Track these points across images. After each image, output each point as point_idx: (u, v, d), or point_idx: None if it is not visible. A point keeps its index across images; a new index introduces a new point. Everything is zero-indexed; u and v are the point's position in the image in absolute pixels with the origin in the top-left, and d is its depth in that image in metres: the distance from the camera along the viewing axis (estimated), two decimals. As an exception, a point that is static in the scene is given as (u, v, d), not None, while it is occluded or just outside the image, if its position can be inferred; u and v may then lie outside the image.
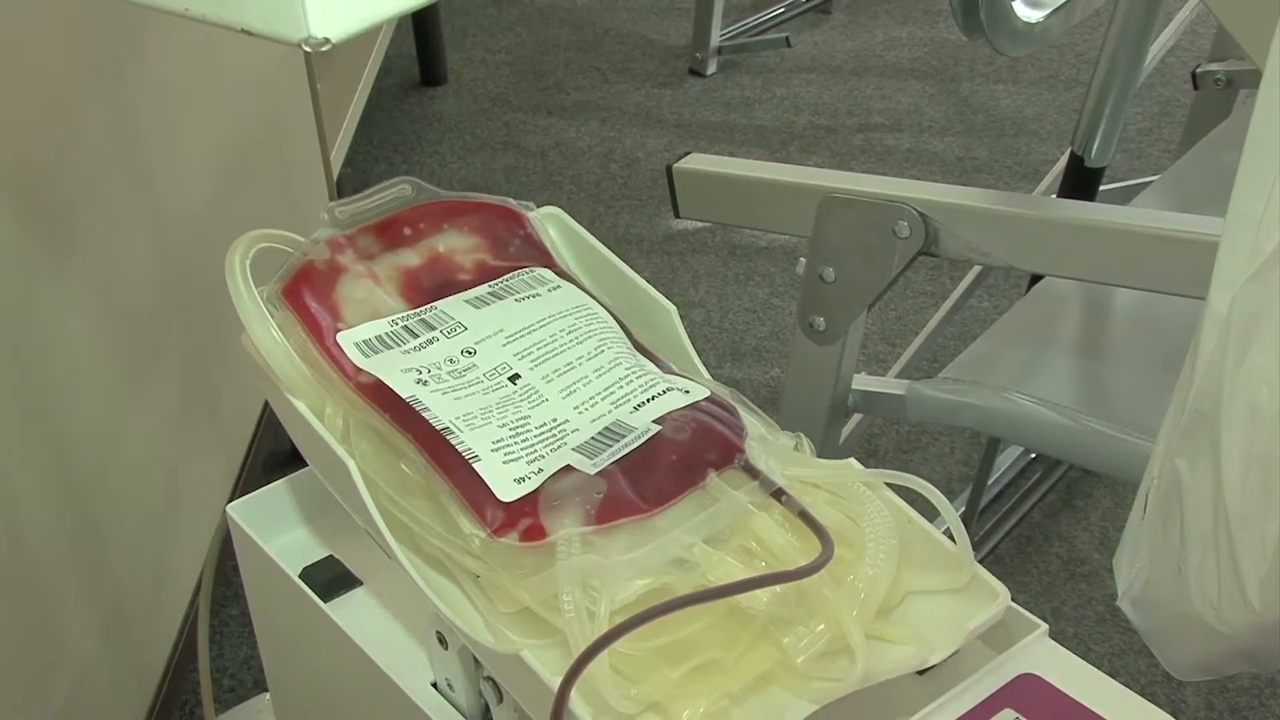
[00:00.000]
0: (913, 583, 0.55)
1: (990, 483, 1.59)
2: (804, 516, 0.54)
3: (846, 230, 1.05)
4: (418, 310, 0.62)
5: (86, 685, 1.11)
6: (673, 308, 0.65)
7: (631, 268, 0.67)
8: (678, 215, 1.18)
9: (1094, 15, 1.43)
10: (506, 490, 0.54)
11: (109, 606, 1.15)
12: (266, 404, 0.62)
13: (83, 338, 1.09)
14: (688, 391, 0.59)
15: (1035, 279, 1.48)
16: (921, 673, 0.57)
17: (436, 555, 0.56)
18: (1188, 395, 0.63)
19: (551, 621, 0.51)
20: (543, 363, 0.60)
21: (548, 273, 0.65)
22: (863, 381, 1.16)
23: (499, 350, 0.60)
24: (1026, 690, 0.55)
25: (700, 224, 2.15)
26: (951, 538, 0.56)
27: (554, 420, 0.57)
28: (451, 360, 0.59)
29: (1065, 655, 0.57)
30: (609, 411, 0.58)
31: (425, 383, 0.58)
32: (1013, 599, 0.56)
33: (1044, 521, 1.61)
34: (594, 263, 0.68)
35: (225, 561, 0.75)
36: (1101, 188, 1.51)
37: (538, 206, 0.68)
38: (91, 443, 1.11)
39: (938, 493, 0.55)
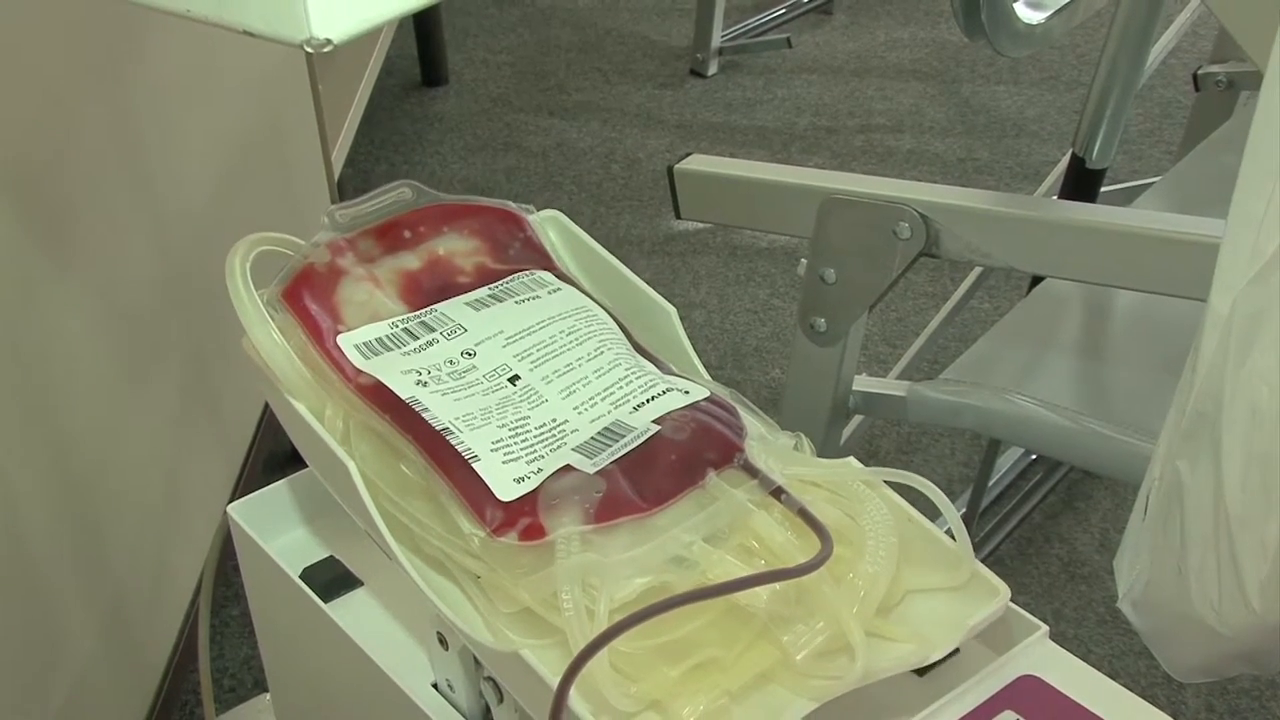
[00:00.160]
0: (913, 581, 0.55)
1: (991, 484, 1.59)
2: (803, 514, 0.54)
3: (847, 231, 1.05)
4: (418, 312, 0.62)
5: (87, 685, 1.11)
6: (672, 309, 0.65)
7: (632, 268, 0.67)
8: (679, 216, 1.18)
9: (1095, 16, 1.43)
10: (506, 490, 0.54)
11: (109, 606, 1.15)
12: (267, 404, 0.62)
13: (83, 338, 1.09)
14: (687, 392, 0.59)
15: (1036, 280, 1.48)
16: (922, 674, 0.57)
17: (436, 556, 0.56)
18: (1189, 397, 0.63)
19: (551, 621, 0.51)
20: (542, 364, 0.60)
21: (548, 275, 0.65)
22: (863, 383, 1.16)
23: (499, 351, 0.60)
24: (1027, 692, 0.55)
25: (701, 225, 2.15)
26: (952, 536, 0.56)
27: (553, 421, 0.57)
28: (451, 362, 0.60)
29: (1066, 657, 0.57)
30: (609, 412, 0.58)
31: (425, 384, 0.58)
32: (1013, 600, 0.56)
33: (1044, 523, 1.61)
34: (594, 265, 0.68)
35: (226, 562, 0.75)
36: (1103, 189, 1.51)
37: (539, 207, 0.69)
38: (92, 443, 1.11)
39: (937, 490, 0.55)
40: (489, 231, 0.66)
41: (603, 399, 0.58)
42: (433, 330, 0.61)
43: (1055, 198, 1.55)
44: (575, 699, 0.48)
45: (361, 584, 0.66)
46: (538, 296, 0.63)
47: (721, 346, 1.92)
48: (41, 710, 1.04)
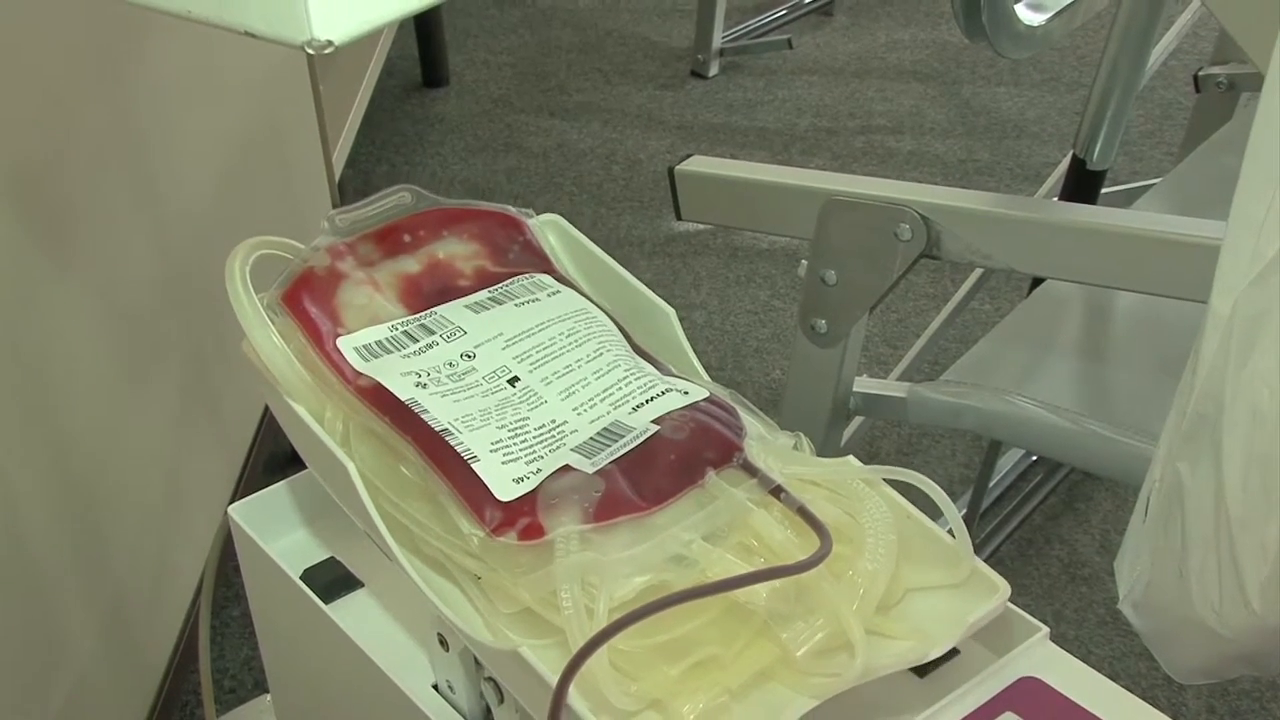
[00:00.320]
0: (912, 579, 0.55)
1: (991, 485, 1.59)
2: (803, 513, 0.54)
3: (848, 233, 1.05)
4: (417, 315, 0.62)
5: (87, 686, 1.11)
6: (671, 311, 0.65)
7: (633, 269, 0.67)
8: (679, 217, 1.18)
9: (1096, 18, 1.43)
10: (505, 490, 0.54)
11: (110, 607, 1.15)
12: (267, 405, 0.62)
13: (83, 338, 1.09)
14: (686, 393, 0.60)
15: (1037, 282, 1.48)
16: (922, 675, 0.57)
17: (436, 557, 0.56)
18: (1189, 398, 0.63)
19: (551, 620, 0.51)
20: (542, 365, 0.60)
21: (547, 278, 0.65)
22: (864, 384, 1.16)
23: (498, 353, 0.60)
24: (1027, 693, 0.55)
25: (702, 226, 2.15)
26: (952, 534, 0.56)
27: (553, 421, 0.57)
28: (451, 364, 0.60)
29: (1066, 658, 0.57)
30: (608, 413, 0.58)
31: (424, 386, 0.58)
32: (1014, 602, 0.56)
33: (1045, 524, 1.61)
34: (593, 268, 0.68)
35: (226, 562, 0.75)
36: (1103, 190, 1.51)
37: (539, 208, 0.69)
38: (92, 443, 1.11)
39: (936, 487, 0.55)
40: (488, 235, 0.66)
41: (602, 400, 0.59)
42: (432, 333, 0.61)
43: (1056, 199, 1.55)
44: (575, 698, 0.49)
45: (362, 585, 0.66)
46: (537, 299, 0.64)
47: (722, 347, 1.92)
48: (42, 710, 1.04)
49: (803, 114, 2.54)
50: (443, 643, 0.57)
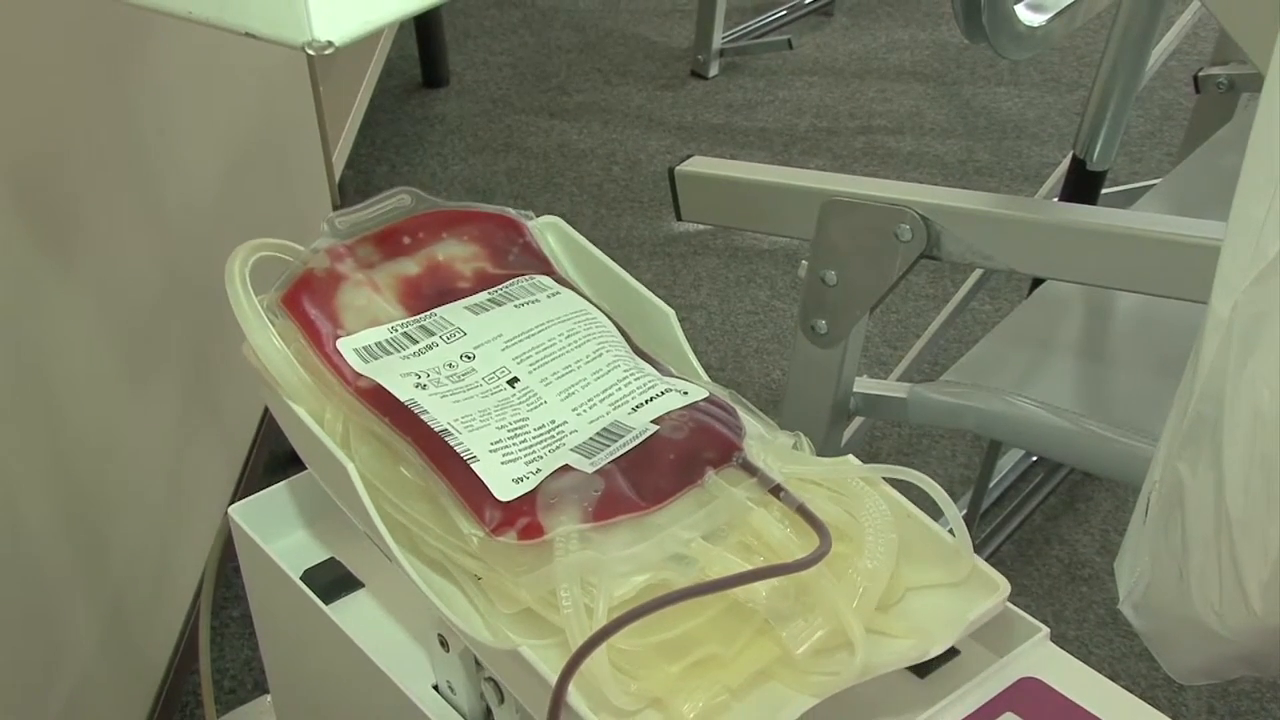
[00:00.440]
0: (912, 578, 0.55)
1: (991, 486, 1.59)
2: (802, 511, 0.54)
3: (848, 233, 1.05)
4: (417, 317, 0.62)
5: (87, 686, 1.11)
6: (671, 312, 0.65)
7: (633, 270, 0.67)
8: (680, 218, 1.18)
9: (1096, 18, 1.43)
10: (504, 490, 0.54)
11: (110, 607, 1.15)
12: (267, 406, 0.63)
13: (84, 338, 1.09)
14: (686, 393, 0.60)
15: (1037, 282, 1.48)
16: (923, 676, 0.57)
17: (436, 557, 0.56)
18: (1189, 399, 0.63)
19: (551, 620, 0.52)
20: (541, 366, 0.60)
21: (547, 280, 0.65)
22: (864, 384, 1.16)
23: (498, 354, 0.61)
24: (1028, 694, 0.55)
25: (702, 226, 2.15)
26: (952, 533, 0.56)
27: (552, 422, 0.57)
28: (450, 365, 0.60)
29: (1066, 659, 0.57)
30: (607, 413, 0.58)
31: (424, 387, 0.58)
32: (1014, 602, 0.56)
33: (1045, 525, 1.61)
34: (593, 269, 0.68)
35: (226, 563, 0.75)
36: (1103, 191, 1.51)
37: (539, 208, 0.69)
38: (93, 443, 1.11)
39: (936, 485, 0.55)
40: (488, 238, 0.67)
41: (601, 400, 0.59)
42: (432, 334, 0.61)
43: (1056, 200, 1.55)
44: (575, 697, 0.49)
45: (362, 586, 0.66)
46: (537, 300, 0.64)
47: (722, 348, 1.92)
48: (42, 710, 1.05)
49: (803, 114, 2.54)
50: (443, 643, 0.57)
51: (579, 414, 0.58)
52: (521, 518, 0.53)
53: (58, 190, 1.03)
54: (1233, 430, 0.60)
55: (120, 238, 1.15)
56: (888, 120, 2.51)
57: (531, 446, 0.56)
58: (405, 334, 0.61)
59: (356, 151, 2.29)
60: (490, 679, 0.56)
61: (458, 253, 0.66)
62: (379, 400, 0.58)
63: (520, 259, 0.67)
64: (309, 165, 1.68)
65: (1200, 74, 1.67)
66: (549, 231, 0.69)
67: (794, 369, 1.15)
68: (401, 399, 0.58)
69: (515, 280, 0.65)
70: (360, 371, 0.59)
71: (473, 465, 0.55)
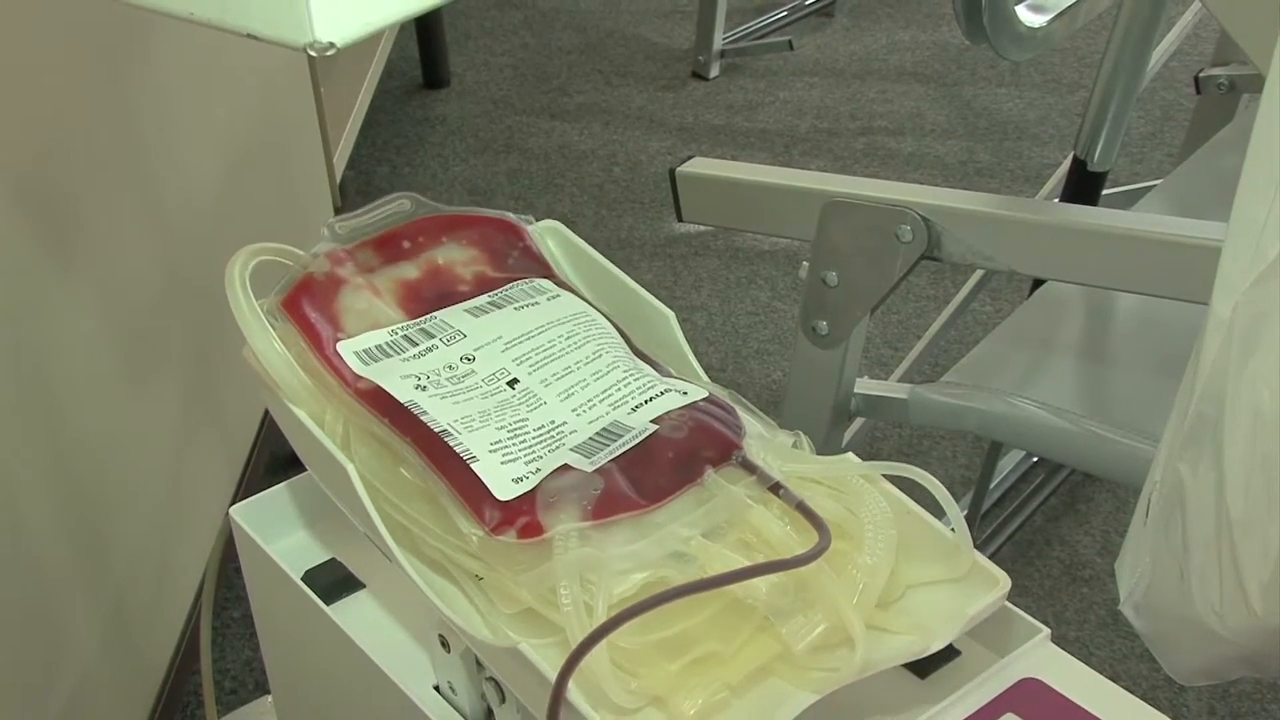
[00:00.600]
0: (913, 575, 0.56)
1: (992, 487, 1.59)
2: (801, 509, 0.54)
3: (849, 234, 1.05)
4: (417, 320, 0.63)
5: (88, 686, 1.11)
6: (671, 313, 0.66)
7: (634, 271, 0.67)
8: (680, 219, 1.18)
9: (1097, 19, 1.43)
10: (504, 489, 0.54)
11: (111, 608, 1.15)
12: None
13: (85, 339, 1.09)
14: (685, 393, 0.60)
15: (1038, 283, 1.48)
16: (923, 676, 0.57)
17: (436, 557, 0.56)
18: (1190, 400, 0.63)
19: (551, 618, 0.52)
20: (541, 367, 0.60)
21: (547, 283, 0.66)
22: (865, 385, 1.16)
23: (498, 356, 0.61)
24: (1028, 694, 0.55)
25: (703, 227, 2.15)
26: (953, 530, 0.56)
27: (552, 422, 0.58)
28: (450, 367, 0.60)
29: (1067, 660, 0.57)
30: (607, 413, 0.58)
31: (424, 388, 0.59)
32: (1014, 603, 0.56)
33: (1046, 525, 1.61)
34: (593, 273, 0.68)
35: (227, 564, 0.75)
36: (1104, 192, 1.51)
37: (540, 209, 0.69)
38: (94, 444, 1.11)
39: (934, 481, 0.55)
40: (487, 242, 0.67)
41: (601, 401, 0.59)
42: (432, 337, 0.61)
43: (1057, 201, 1.55)
44: (576, 695, 0.49)
45: (363, 586, 0.66)
46: (536, 303, 0.64)
47: (723, 349, 1.92)
48: (43, 711, 1.05)
49: (803, 115, 2.54)
50: (444, 644, 0.57)
51: (578, 414, 0.58)
52: (521, 517, 0.53)
53: (58, 190, 1.03)
54: (1233, 431, 0.60)
55: (120, 238, 1.15)
56: (888, 121, 2.51)
57: (531, 447, 0.56)
58: (405, 337, 0.61)
59: (357, 152, 2.29)
60: (491, 679, 0.56)
61: (457, 257, 0.66)
62: (379, 402, 0.58)
63: (520, 263, 0.67)
64: (310, 166, 1.68)
65: (1201, 75, 1.67)
66: (549, 235, 0.69)
67: (795, 370, 1.15)
68: (401, 400, 0.58)
69: (515, 283, 0.65)
70: (360, 374, 0.59)
71: (472, 465, 0.55)
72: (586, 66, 2.72)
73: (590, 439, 0.56)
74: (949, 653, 0.58)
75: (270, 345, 0.59)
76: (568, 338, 0.62)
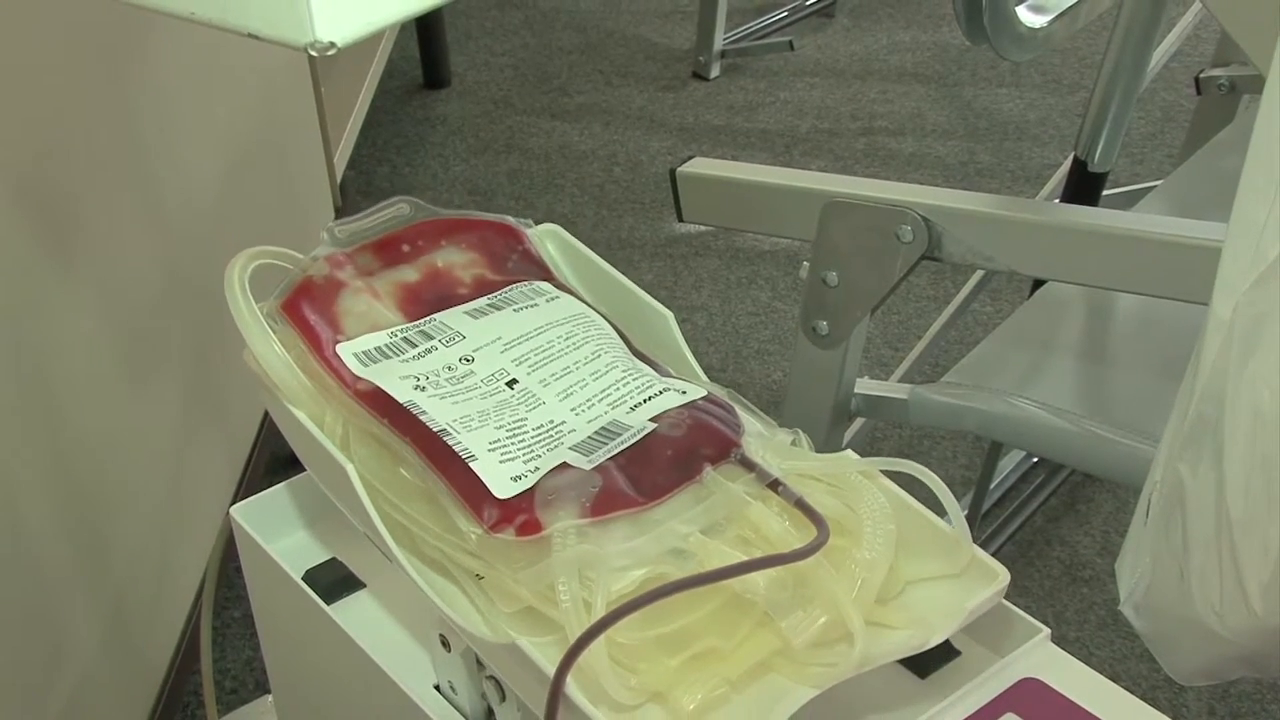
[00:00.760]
0: (912, 571, 0.56)
1: (992, 487, 1.59)
2: (800, 505, 0.54)
3: (849, 234, 1.05)
4: (416, 322, 0.63)
5: (88, 686, 1.11)
6: (670, 314, 0.66)
7: (634, 271, 0.68)
8: (681, 219, 1.18)
9: (1098, 20, 1.43)
10: (503, 488, 0.54)
11: (112, 607, 1.15)
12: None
13: (85, 339, 1.09)
14: (684, 392, 0.60)
15: (1038, 283, 1.48)
16: (924, 676, 0.57)
17: (436, 557, 0.56)
18: (1190, 400, 0.63)
19: (550, 615, 0.52)
20: (540, 368, 0.60)
21: (546, 285, 0.66)
22: (865, 385, 1.16)
23: (497, 357, 0.61)
24: (1028, 694, 0.55)
25: (703, 227, 2.15)
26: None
27: (551, 422, 0.58)
28: (450, 367, 0.60)
29: (1067, 660, 0.57)
30: (606, 412, 0.58)
31: (423, 389, 0.59)
32: (1015, 603, 0.56)
33: (1046, 526, 1.61)
34: (592, 275, 0.69)
35: (228, 563, 0.75)
36: (1104, 193, 1.51)
37: (541, 209, 0.69)
38: (94, 444, 1.11)
39: (933, 476, 0.55)
40: (487, 245, 0.67)
41: (600, 400, 0.59)
42: (431, 338, 0.62)
43: (1057, 201, 1.55)
44: (575, 692, 0.49)
45: (364, 586, 0.66)
46: (536, 305, 0.64)
47: (723, 349, 1.92)
48: (43, 711, 1.05)
49: (804, 116, 2.54)
50: (445, 643, 0.58)
51: (577, 414, 0.58)
52: (519, 514, 0.53)
53: (58, 190, 1.03)
54: (1233, 431, 0.60)
55: (121, 238, 1.15)
56: (889, 122, 2.51)
57: (530, 446, 0.56)
58: (405, 339, 0.62)
59: (358, 152, 2.29)
60: (491, 677, 0.56)
61: (457, 260, 0.66)
62: (378, 402, 0.58)
63: (519, 265, 0.67)
64: (310, 166, 1.68)
65: (1201, 76, 1.67)
66: (548, 239, 0.70)
67: (795, 370, 1.15)
68: (400, 400, 0.58)
69: (514, 285, 0.65)
70: (360, 375, 0.59)
71: (471, 464, 0.55)
72: (587, 67, 2.72)
73: (589, 438, 0.57)
74: (949, 652, 0.58)
75: (270, 348, 0.59)
76: (566, 338, 0.62)
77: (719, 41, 2.64)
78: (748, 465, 0.56)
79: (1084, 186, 1.47)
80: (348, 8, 0.48)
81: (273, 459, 1.53)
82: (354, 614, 0.64)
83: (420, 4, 0.51)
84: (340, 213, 1.76)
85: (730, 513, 0.55)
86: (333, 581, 0.66)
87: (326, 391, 0.60)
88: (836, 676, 0.50)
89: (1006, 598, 0.56)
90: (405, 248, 0.65)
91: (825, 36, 2.84)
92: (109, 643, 1.14)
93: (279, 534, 0.69)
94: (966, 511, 1.45)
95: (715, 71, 2.67)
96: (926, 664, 0.57)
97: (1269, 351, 0.59)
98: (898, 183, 1.06)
